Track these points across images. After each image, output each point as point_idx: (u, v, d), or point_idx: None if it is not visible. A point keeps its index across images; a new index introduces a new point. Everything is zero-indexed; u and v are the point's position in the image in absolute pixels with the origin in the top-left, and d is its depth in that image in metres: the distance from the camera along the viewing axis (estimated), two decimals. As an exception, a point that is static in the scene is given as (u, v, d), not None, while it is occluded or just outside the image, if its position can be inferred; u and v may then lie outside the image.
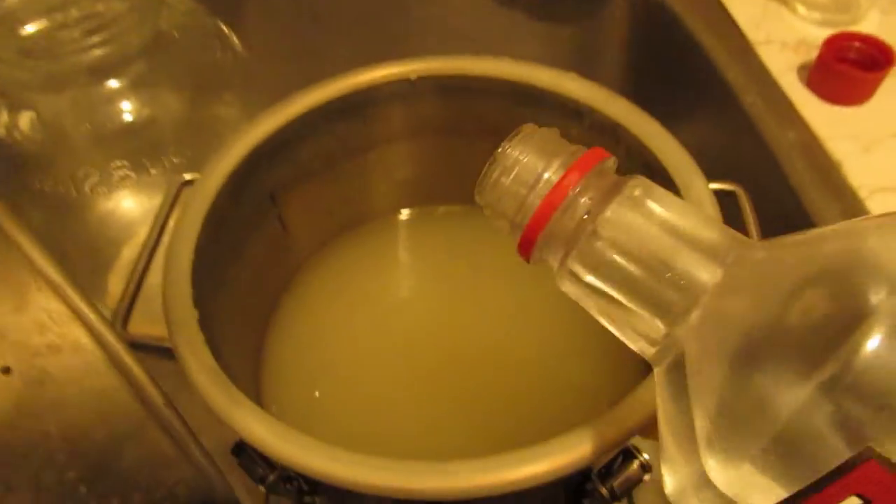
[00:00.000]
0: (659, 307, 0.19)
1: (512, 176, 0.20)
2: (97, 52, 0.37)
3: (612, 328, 0.20)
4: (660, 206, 0.19)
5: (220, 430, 0.28)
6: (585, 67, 0.37)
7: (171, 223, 0.36)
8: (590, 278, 0.19)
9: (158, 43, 0.39)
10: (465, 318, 0.38)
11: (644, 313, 0.19)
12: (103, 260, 0.50)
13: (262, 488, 0.30)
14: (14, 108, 0.38)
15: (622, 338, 0.20)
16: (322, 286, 0.41)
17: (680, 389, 0.18)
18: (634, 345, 0.20)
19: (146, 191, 0.44)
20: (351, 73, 0.37)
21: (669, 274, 0.18)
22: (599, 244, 0.19)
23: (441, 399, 0.36)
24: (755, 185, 0.36)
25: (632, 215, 0.19)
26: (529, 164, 0.20)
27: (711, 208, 0.30)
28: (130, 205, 0.47)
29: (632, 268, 0.19)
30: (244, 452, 0.30)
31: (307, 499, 0.32)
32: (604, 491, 0.28)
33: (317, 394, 0.37)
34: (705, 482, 0.17)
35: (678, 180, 0.31)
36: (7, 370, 0.25)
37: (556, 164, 0.20)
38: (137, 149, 0.39)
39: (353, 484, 0.23)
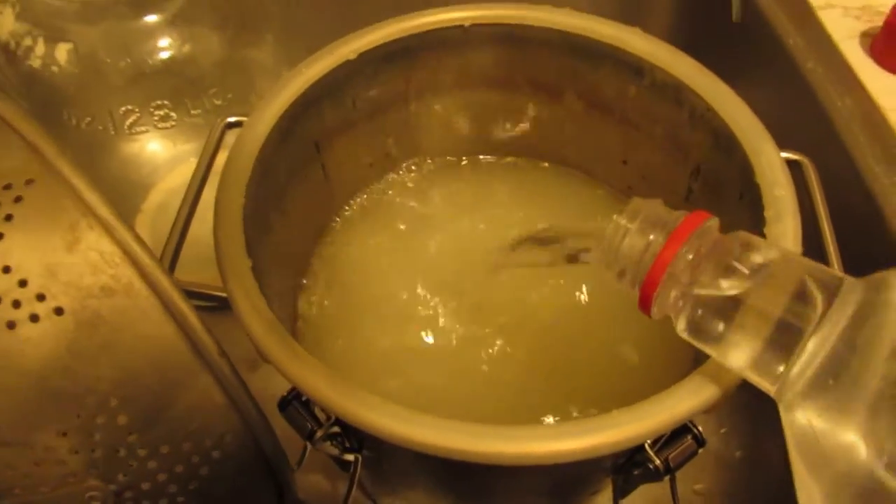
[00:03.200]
0: (771, 349, 0.20)
1: (625, 243, 0.24)
2: (137, -18, 0.35)
3: (731, 367, 0.22)
4: (761, 256, 0.22)
5: (258, 383, 0.27)
6: (629, 23, 0.35)
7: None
8: (703, 329, 0.22)
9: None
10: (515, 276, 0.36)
11: (759, 355, 0.21)
12: (129, 204, 0.49)
13: (308, 444, 0.29)
14: (51, 40, 0.36)
15: (745, 377, 0.22)
16: (360, 235, 0.40)
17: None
18: (757, 382, 0.22)
19: (174, 133, 0.43)
20: (403, 17, 0.35)
21: (776, 318, 0.20)
22: (705, 300, 0.22)
23: (483, 356, 0.34)
24: (813, 156, 0.34)
25: (733, 271, 0.21)
26: (639, 232, 0.24)
27: (783, 177, 0.29)
28: (157, 147, 0.46)
29: (740, 316, 0.21)
30: (291, 406, 0.30)
31: (348, 455, 0.32)
32: (658, 462, 0.28)
33: (351, 346, 0.36)
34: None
35: (747, 146, 0.30)
36: (60, 311, 0.24)
37: (661, 230, 0.23)
38: (178, 88, 0.37)
39: (421, 445, 0.22)
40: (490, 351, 0.34)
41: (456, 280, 0.37)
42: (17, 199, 0.24)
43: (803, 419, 0.20)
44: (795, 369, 0.20)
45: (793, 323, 0.20)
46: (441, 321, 0.36)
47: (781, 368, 0.20)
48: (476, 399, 0.33)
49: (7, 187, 0.24)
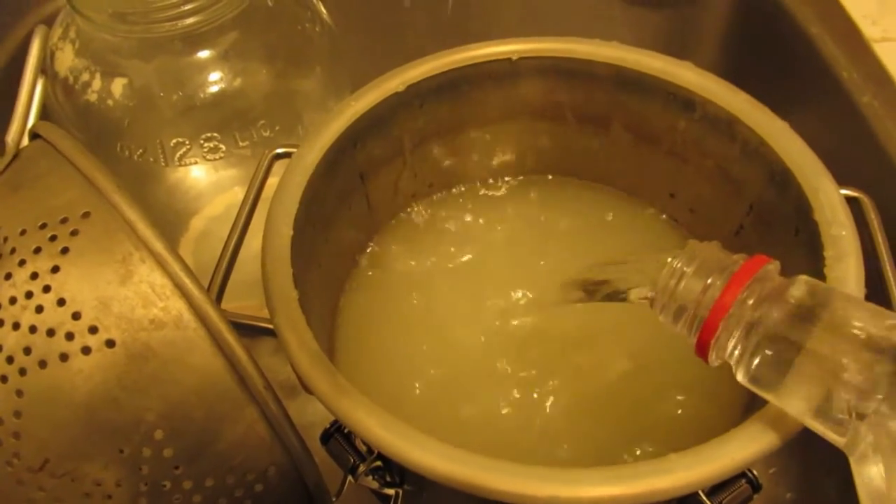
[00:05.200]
0: (839, 400, 0.20)
1: (681, 287, 0.23)
2: (191, 20, 0.36)
3: (795, 417, 0.21)
4: (824, 301, 0.21)
5: (294, 410, 0.27)
6: (675, 56, 0.35)
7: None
8: (764, 376, 0.21)
9: (251, 13, 0.38)
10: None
11: (826, 407, 0.20)
12: (172, 231, 0.49)
13: (351, 478, 0.29)
14: (107, 74, 0.37)
15: (809, 426, 0.21)
16: (397, 258, 0.39)
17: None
18: (821, 432, 0.21)
19: (221, 164, 0.43)
20: (451, 50, 0.36)
21: (843, 366, 0.19)
22: (766, 347, 0.21)
23: (524, 391, 0.33)
24: (871, 192, 0.33)
25: (796, 318, 0.21)
26: (695, 276, 0.23)
27: (844, 216, 0.28)
28: (200, 175, 0.47)
29: (803, 363, 0.20)
30: (333, 439, 0.30)
31: (388, 490, 0.32)
32: (711, 507, 0.27)
33: (387, 373, 0.35)
34: None
35: (804, 183, 0.29)
36: (112, 343, 0.24)
37: (720, 275, 0.22)
38: (227, 120, 0.38)
39: (468, 485, 0.22)
40: (532, 385, 0.33)
41: (498, 309, 0.36)
42: (74, 233, 0.24)
43: (878, 475, 0.19)
44: (867, 422, 0.19)
45: (863, 372, 0.19)
46: (481, 352, 0.35)
47: (850, 420, 0.19)
48: (518, 436, 0.32)
49: (64, 221, 0.25)
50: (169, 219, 0.51)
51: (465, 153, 0.40)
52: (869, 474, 0.19)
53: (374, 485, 0.31)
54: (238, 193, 0.49)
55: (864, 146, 0.38)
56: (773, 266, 0.23)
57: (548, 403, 0.32)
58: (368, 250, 0.40)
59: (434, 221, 0.41)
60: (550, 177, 0.42)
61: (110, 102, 0.37)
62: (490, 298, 0.36)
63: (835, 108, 0.40)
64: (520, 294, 0.36)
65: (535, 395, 0.32)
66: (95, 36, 0.37)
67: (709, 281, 0.23)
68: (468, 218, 0.40)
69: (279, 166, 0.34)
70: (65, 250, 0.24)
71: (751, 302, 0.22)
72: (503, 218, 0.40)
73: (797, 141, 0.31)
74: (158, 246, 0.25)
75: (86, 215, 0.25)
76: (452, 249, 0.39)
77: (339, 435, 0.30)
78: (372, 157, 0.36)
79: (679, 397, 0.32)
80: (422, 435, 0.23)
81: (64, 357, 0.23)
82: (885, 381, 0.19)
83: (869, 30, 0.42)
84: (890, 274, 0.29)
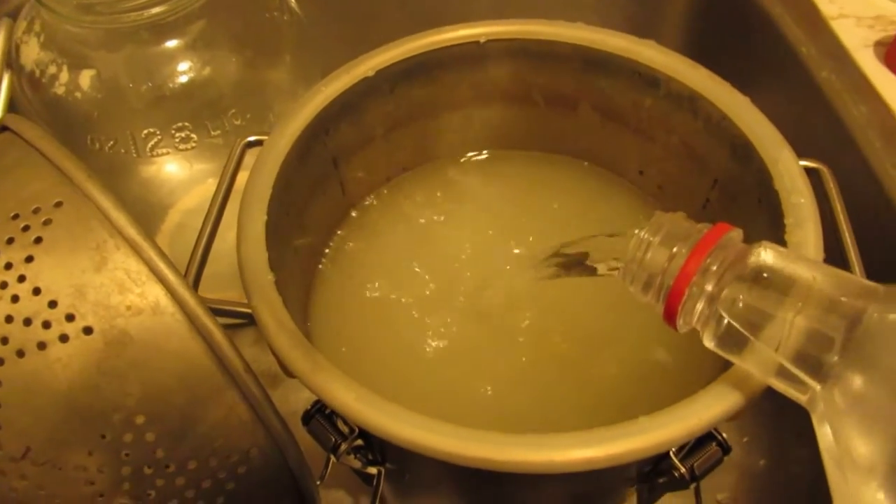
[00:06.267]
0: (800, 359, 0.20)
1: (648, 257, 0.24)
2: (157, 9, 0.36)
3: (760, 377, 0.22)
4: (785, 265, 0.21)
5: (278, 398, 0.27)
6: (641, 36, 0.36)
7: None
8: (729, 340, 0.22)
9: (218, 1, 0.38)
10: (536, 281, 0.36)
11: (788, 366, 0.20)
12: (148, 225, 0.49)
13: (332, 457, 0.30)
14: (74, 67, 0.37)
15: (773, 386, 0.22)
16: (370, 237, 0.40)
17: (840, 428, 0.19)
18: (784, 391, 0.21)
19: (193, 154, 0.43)
20: (420, 34, 0.36)
21: (804, 328, 0.20)
22: (731, 311, 0.22)
23: (501, 362, 0.34)
24: (831, 164, 0.34)
25: (758, 282, 0.21)
26: (662, 246, 0.24)
27: (802, 184, 0.29)
28: (174, 168, 0.46)
29: (767, 326, 0.21)
30: (314, 420, 0.30)
31: (371, 469, 0.32)
32: (683, 470, 0.28)
33: (363, 351, 0.35)
34: None
35: (764, 154, 0.30)
36: (89, 330, 0.24)
37: (684, 243, 0.23)
38: (198, 110, 0.38)
39: (446, 454, 0.22)
40: (509, 359, 0.34)
41: (472, 284, 0.37)
42: (47, 222, 0.25)
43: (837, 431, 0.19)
44: (828, 380, 0.20)
45: (822, 332, 0.20)
46: (456, 327, 0.35)
47: (812, 378, 0.20)
48: (494, 406, 0.33)
49: (36, 211, 0.25)
50: (144, 212, 0.50)
51: (437, 136, 0.40)
52: (828, 430, 0.20)
53: (357, 464, 0.31)
54: (213, 186, 0.49)
55: (823, 119, 0.39)
56: (736, 233, 0.24)
57: (525, 376, 0.33)
58: (342, 234, 0.40)
59: (408, 202, 0.41)
60: (522, 153, 0.42)
61: (78, 95, 0.37)
62: (464, 274, 0.37)
63: (794, 83, 0.41)
64: (493, 269, 0.36)
65: (512, 369, 0.33)
66: (61, 28, 0.37)
67: (674, 250, 0.23)
68: (440, 196, 0.41)
69: (252, 156, 0.35)
70: (38, 240, 0.24)
71: (714, 268, 0.23)
72: (476, 195, 0.41)
73: (757, 114, 0.31)
74: (132, 232, 0.25)
75: (58, 205, 0.25)
76: (425, 229, 0.39)
77: (319, 416, 0.30)
78: (344, 142, 0.37)
79: (655, 360, 0.33)
80: (398, 407, 0.23)
81: (42, 346, 0.24)
82: (839, 341, 0.20)
83: (826, 8, 0.43)
84: (848, 239, 0.30)
